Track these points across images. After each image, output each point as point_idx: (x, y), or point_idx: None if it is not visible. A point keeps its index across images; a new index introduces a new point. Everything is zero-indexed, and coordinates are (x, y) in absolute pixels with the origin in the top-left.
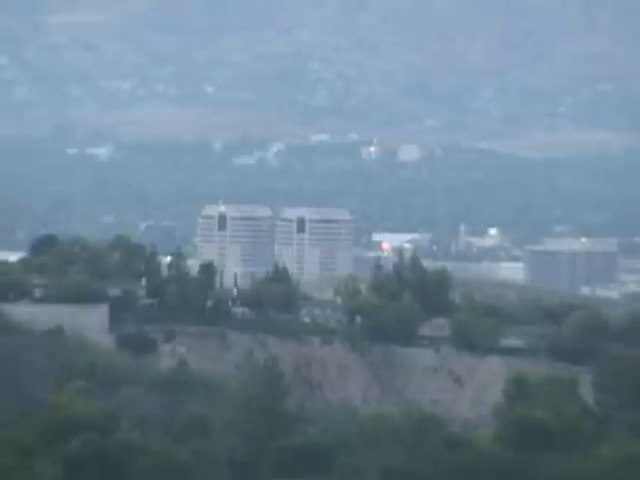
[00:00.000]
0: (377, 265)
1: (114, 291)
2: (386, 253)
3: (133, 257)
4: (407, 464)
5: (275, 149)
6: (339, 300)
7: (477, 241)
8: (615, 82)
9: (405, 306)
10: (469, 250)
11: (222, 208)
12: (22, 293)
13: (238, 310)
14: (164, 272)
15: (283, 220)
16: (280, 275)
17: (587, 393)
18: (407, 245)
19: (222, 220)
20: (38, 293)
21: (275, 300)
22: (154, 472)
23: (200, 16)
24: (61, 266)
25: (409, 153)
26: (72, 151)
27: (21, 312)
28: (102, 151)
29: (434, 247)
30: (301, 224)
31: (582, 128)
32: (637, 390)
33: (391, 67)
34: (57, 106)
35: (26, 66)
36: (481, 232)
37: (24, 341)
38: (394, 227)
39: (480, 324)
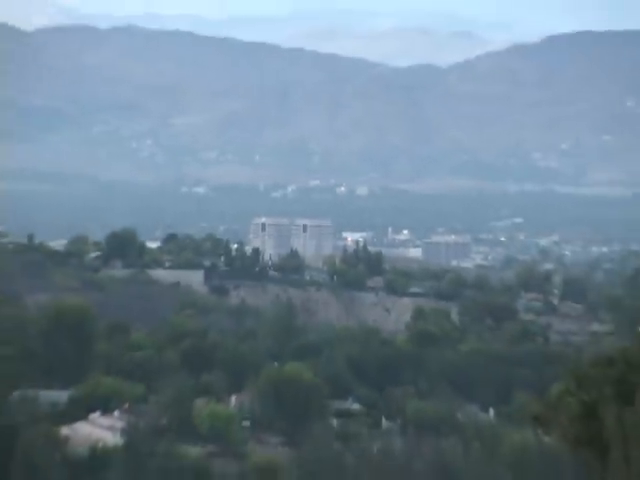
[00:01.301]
0: (345, 250)
1: (206, 263)
2: (349, 243)
3: (217, 245)
4: (360, 354)
5: (290, 189)
6: (325, 268)
7: (397, 236)
8: None
9: (359, 270)
10: (393, 242)
11: (263, 219)
12: (158, 264)
13: (272, 273)
14: (233, 253)
15: (295, 225)
16: (293, 255)
17: (455, 317)
18: (360, 239)
19: (263, 225)
20: (167, 264)
21: (291, 268)
22: (230, 359)
23: (255, 114)
24: (179, 250)
25: (361, 191)
26: (184, 189)
27: (158, 274)
28: (200, 190)
29: (374, 240)
30: (305, 228)
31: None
32: (482, 314)
33: (352, 147)
34: (177, 166)
35: (160, 145)
36: (399, 232)
37: (160, 289)
38: (354, 229)
39: (398, 280)
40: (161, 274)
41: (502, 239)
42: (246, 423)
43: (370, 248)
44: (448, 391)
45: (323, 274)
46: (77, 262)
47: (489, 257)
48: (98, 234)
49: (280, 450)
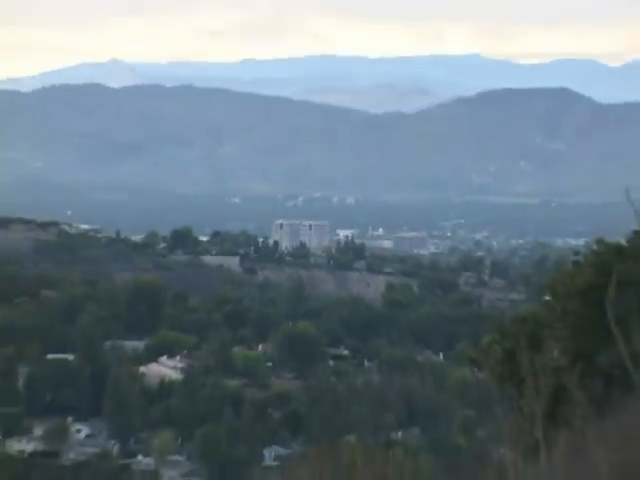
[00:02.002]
0: (338, 242)
1: (241, 251)
2: (341, 237)
3: (248, 239)
4: (349, 315)
5: (299, 199)
6: (324, 254)
7: (375, 233)
8: None
9: (348, 256)
10: (372, 236)
11: (281, 221)
12: (207, 252)
13: (287, 258)
14: (260, 244)
15: (303, 225)
16: (302, 246)
17: (415, 290)
18: (349, 234)
19: (281, 225)
20: (213, 252)
21: (300, 255)
22: (258, 319)
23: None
24: (221, 242)
25: (350, 200)
26: (225, 199)
27: (207, 259)
28: (236, 200)
29: (359, 235)
30: (310, 227)
31: None
32: (434, 287)
33: (343, 170)
34: (219, 183)
35: (208, 168)
36: (376, 229)
37: (208, 270)
38: (344, 227)
39: (375, 263)
40: (209, 259)
41: (448, 234)
42: (269, 364)
43: (356, 241)
44: (411, 341)
45: (323, 259)
46: (151, 251)
47: (439, 247)
48: (165, 230)
49: (293, 382)
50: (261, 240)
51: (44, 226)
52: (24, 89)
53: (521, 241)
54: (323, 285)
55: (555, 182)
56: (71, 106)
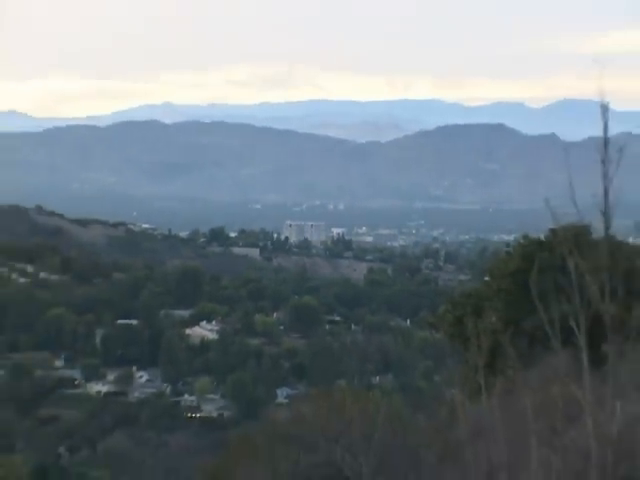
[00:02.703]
0: (332, 237)
1: (260, 244)
2: (335, 234)
3: (265, 235)
4: (340, 291)
5: (304, 206)
6: (322, 247)
7: (359, 231)
8: None
9: (339, 248)
10: (357, 233)
11: (289, 222)
12: (236, 245)
13: (294, 249)
14: (274, 239)
15: (307, 225)
16: (306, 241)
17: (390, 272)
18: (340, 232)
19: (290, 225)
20: (240, 244)
21: (304, 247)
22: (273, 294)
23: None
24: (246, 237)
25: (340, 207)
26: (249, 206)
27: (236, 250)
28: (258, 206)
29: (347, 232)
30: (312, 226)
31: None
32: (403, 271)
33: (335, 184)
34: (244, 194)
35: (235, 183)
36: (360, 228)
37: (237, 258)
38: (337, 226)
39: (360, 253)
40: (237, 250)
41: (413, 232)
42: (281, 327)
43: (345, 236)
44: (386, 310)
45: (321, 250)
46: (193, 244)
47: (407, 241)
48: (205, 229)
49: (299, 341)
50: (275, 236)
51: (115, 226)
52: (101, 124)
53: (467, 237)
54: (321, 269)
55: (492, 194)
56: (136, 137)
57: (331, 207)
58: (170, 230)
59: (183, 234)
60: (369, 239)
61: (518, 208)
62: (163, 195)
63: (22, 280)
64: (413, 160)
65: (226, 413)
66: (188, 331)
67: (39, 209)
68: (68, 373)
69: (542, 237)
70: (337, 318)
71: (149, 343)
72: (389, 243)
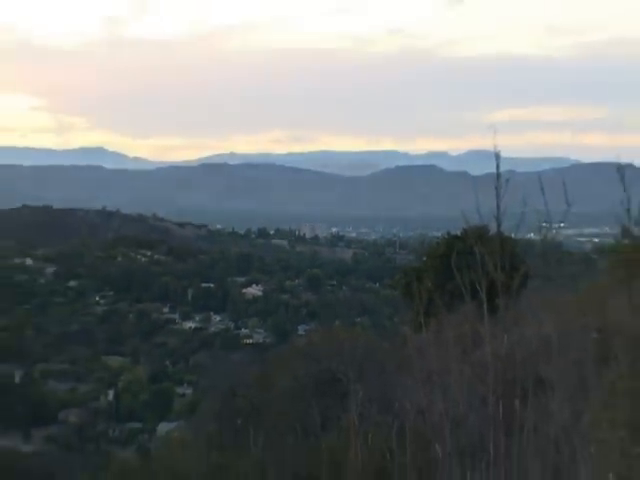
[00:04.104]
0: (332, 234)
1: (288, 238)
2: (333, 232)
3: (291, 233)
4: (337, 266)
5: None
6: (324, 239)
7: (343, 229)
8: None
9: (336, 239)
10: (347, 232)
11: (305, 224)
12: (272, 237)
13: (308, 241)
14: (297, 234)
15: (317, 225)
16: (315, 235)
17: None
18: (337, 230)
19: (306, 226)
20: (276, 237)
21: (314, 239)
22: (295, 267)
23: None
24: (280, 234)
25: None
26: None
27: (273, 242)
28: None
29: (339, 231)
30: (318, 226)
31: None
32: (372, 255)
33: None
34: (280, 210)
35: (270, 204)
36: (348, 227)
37: (272, 247)
38: (335, 226)
39: (348, 244)
40: (274, 241)
41: (381, 230)
42: (301, 288)
43: (340, 233)
44: (364, 277)
45: (324, 241)
46: (247, 238)
47: (377, 236)
48: (254, 228)
49: (312, 297)
50: (297, 232)
51: (199, 227)
52: (192, 165)
53: (412, 233)
54: (324, 254)
55: (428, 208)
56: (216, 173)
57: (331, 215)
58: (233, 228)
59: (241, 231)
60: (354, 235)
61: (445, 215)
62: (228, 209)
63: (143, 259)
64: (382, 188)
65: (267, 340)
66: (244, 290)
67: (154, 217)
68: (171, 316)
69: (459, 234)
70: (334, 283)
71: (221, 298)
72: (366, 237)
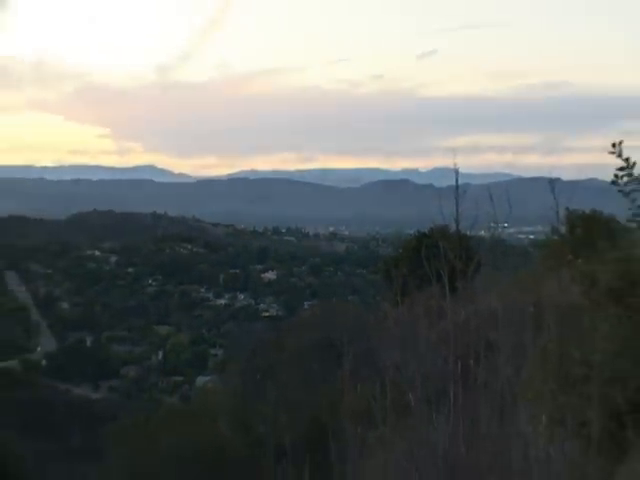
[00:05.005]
0: (330, 232)
1: (298, 235)
2: (331, 229)
3: (292, 232)
4: (332, 256)
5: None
6: (324, 236)
7: (338, 228)
8: None
9: (333, 236)
10: (341, 230)
11: (311, 226)
12: (285, 235)
13: (312, 237)
14: (304, 232)
15: (319, 226)
16: (318, 233)
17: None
18: (334, 229)
19: (311, 226)
20: (288, 234)
21: (317, 236)
22: (303, 256)
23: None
24: (292, 232)
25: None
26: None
27: (284, 238)
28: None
29: (334, 231)
30: (320, 226)
31: None
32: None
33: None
34: (296, 217)
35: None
36: (342, 226)
37: (284, 242)
38: (328, 226)
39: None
40: (286, 237)
41: (366, 228)
42: (306, 273)
43: (336, 231)
44: (354, 264)
45: (325, 237)
46: (265, 234)
47: (362, 234)
48: (269, 227)
49: (314, 280)
50: (302, 230)
51: (228, 226)
52: (221, 179)
53: (390, 230)
54: (324, 247)
55: (406, 211)
56: (241, 186)
57: (329, 222)
58: (254, 228)
59: (260, 230)
60: (346, 232)
61: (417, 217)
62: (250, 213)
63: (185, 251)
64: (368, 197)
65: (280, 313)
66: (262, 275)
67: (193, 218)
68: (207, 295)
69: (427, 232)
70: (331, 269)
71: (244, 281)
72: (356, 234)
